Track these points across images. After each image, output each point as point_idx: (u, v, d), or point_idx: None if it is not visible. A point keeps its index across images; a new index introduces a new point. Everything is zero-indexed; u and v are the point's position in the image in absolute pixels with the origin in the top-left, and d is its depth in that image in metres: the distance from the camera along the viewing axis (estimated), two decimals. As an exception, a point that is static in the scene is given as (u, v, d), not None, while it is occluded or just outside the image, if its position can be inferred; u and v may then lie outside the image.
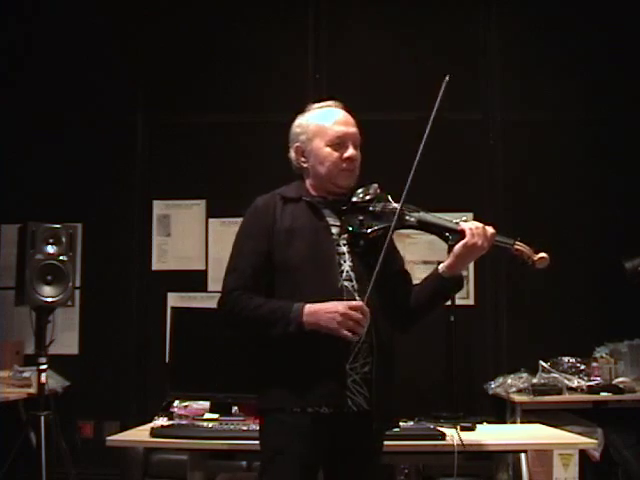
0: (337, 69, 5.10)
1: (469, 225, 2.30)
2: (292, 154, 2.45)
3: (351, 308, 2.15)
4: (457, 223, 2.32)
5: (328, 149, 2.36)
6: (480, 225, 2.30)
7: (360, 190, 2.41)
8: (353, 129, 2.41)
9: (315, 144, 2.38)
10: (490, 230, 2.30)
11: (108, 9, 5.15)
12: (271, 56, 5.14)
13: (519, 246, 2.32)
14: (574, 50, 5.04)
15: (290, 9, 5.19)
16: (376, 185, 2.42)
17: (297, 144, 2.42)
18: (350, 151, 2.37)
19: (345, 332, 2.14)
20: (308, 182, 2.43)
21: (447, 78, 2.24)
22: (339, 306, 2.16)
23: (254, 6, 5.18)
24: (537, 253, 2.31)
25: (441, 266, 2.34)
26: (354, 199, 2.39)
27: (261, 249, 2.31)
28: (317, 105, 2.47)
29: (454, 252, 2.29)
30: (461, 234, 2.29)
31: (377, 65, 5.09)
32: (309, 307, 2.19)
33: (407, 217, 2.33)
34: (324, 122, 2.39)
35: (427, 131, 2.23)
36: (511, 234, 2.37)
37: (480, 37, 5.16)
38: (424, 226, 2.35)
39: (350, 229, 2.33)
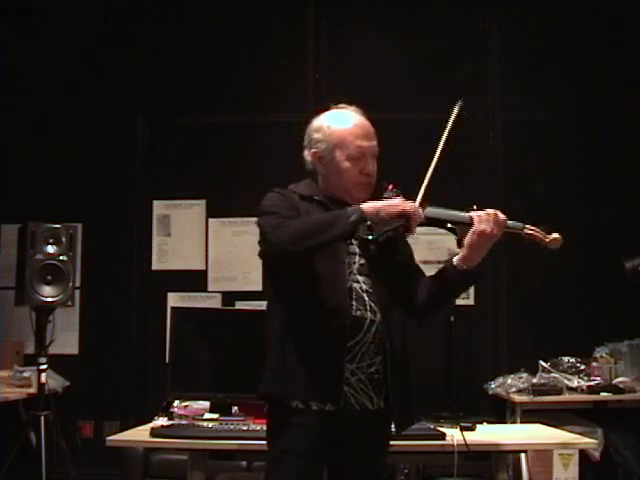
0: (337, 69, 5.10)
1: (477, 213, 2.26)
2: (308, 157, 2.40)
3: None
4: (467, 212, 2.28)
5: (348, 163, 2.32)
6: (487, 211, 2.26)
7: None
8: (374, 142, 2.36)
9: (335, 156, 2.33)
10: (500, 216, 2.26)
11: (108, 9, 5.15)
12: (271, 56, 5.14)
13: (529, 230, 2.29)
14: (574, 50, 5.04)
15: (290, 9, 5.19)
16: (386, 184, 2.39)
17: (315, 150, 2.37)
18: (369, 167, 2.34)
19: (408, 206, 2.15)
20: (320, 183, 2.40)
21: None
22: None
23: (254, 6, 5.19)
24: (549, 234, 2.26)
25: (455, 258, 2.30)
26: None
27: None
28: (338, 110, 2.40)
29: (466, 242, 2.26)
30: (469, 224, 2.26)
31: (377, 65, 5.09)
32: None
33: None
34: (346, 133, 2.33)
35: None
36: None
37: (480, 37, 5.16)
38: (432, 221, 2.31)
39: (361, 236, 2.27)
